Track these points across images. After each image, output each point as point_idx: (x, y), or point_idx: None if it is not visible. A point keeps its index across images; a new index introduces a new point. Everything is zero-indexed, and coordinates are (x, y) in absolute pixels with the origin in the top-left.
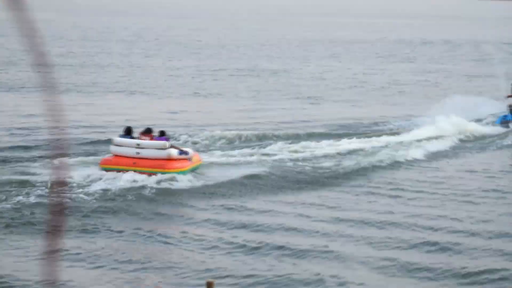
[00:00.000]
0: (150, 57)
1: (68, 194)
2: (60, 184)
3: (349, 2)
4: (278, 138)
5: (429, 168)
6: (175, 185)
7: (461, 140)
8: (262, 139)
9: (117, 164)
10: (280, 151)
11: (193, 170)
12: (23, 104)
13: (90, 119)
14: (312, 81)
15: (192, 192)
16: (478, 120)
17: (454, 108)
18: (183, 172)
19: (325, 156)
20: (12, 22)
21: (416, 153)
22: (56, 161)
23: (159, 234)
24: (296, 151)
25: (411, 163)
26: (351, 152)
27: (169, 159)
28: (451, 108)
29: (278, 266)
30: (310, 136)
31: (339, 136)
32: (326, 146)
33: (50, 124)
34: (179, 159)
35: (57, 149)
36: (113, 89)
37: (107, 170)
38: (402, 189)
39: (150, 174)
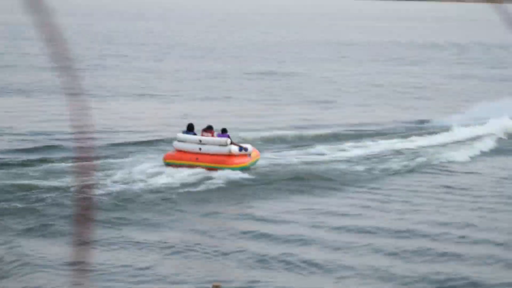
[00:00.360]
0: (157, 61)
1: (129, 186)
2: (86, 187)
3: (349, 4)
4: (288, 141)
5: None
6: (235, 181)
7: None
8: (275, 141)
9: (180, 159)
10: (291, 155)
11: (252, 165)
12: (40, 108)
13: (100, 122)
14: (320, 84)
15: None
16: None
17: (488, 111)
18: (244, 167)
19: (351, 160)
20: (33, 25)
21: (458, 156)
22: (81, 164)
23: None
24: (309, 154)
25: (449, 166)
26: (378, 156)
27: (230, 155)
28: (485, 110)
29: (286, 275)
30: (324, 140)
31: (368, 136)
32: (351, 149)
33: (75, 127)
34: (240, 155)
35: (83, 153)
36: (122, 93)
37: (170, 164)
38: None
39: (211, 169)
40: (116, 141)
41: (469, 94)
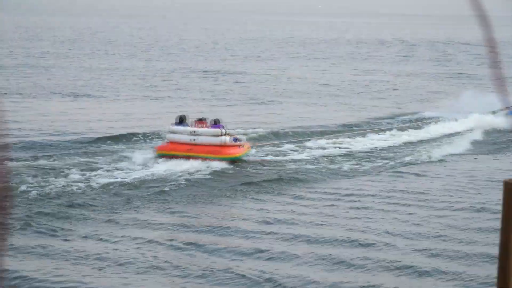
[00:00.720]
0: (97, 59)
1: (121, 177)
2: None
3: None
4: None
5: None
6: (228, 171)
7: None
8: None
9: (173, 150)
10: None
11: (244, 155)
12: None
13: (34, 121)
14: (266, 82)
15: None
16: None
17: (469, 104)
18: (237, 158)
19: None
20: None
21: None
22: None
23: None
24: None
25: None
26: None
27: (224, 145)
28: (466, 103)
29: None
30: (278, 138)
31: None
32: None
33: None
34: (233, 146)
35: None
36: (59, 92)
37: (162, 156)
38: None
39: (204, 159)
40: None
41: (419, 92)
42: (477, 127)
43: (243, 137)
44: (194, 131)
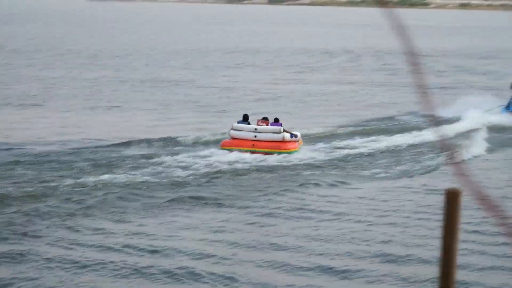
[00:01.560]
0: (46, 69)
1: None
2: None
3: (237, 8)
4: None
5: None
6: (291, 163)
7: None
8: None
9: (237, 146)
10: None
11: (300, 149)
12: None
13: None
14: (213, 92)
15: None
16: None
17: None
18: (295, 152)
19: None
20: None
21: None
22: None
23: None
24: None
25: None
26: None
27: (283, 141)
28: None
29: None
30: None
31: None
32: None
33: None
34: (291, 141)
35: None
36: (8, 102)
37: (227, 151)
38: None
39: (267, 153)
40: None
41: (368, 102)
42: (478, 126)
43: (298, 134)
44: (256, 129)
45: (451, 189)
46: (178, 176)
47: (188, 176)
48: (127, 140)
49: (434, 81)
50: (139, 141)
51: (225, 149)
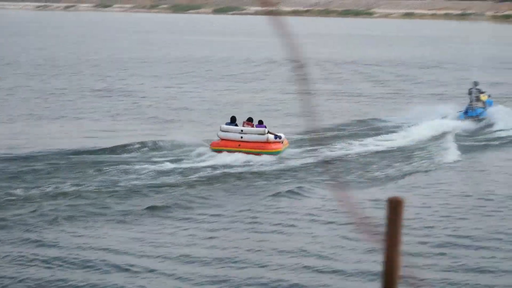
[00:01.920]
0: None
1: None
2: None
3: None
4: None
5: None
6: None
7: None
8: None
9: (225, 146)
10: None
11: (284, 150)
12: None
13: None
14: (162, 102)
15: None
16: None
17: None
18: (279, 152)
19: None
20: None
21: None
22: None
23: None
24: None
25: None
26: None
27: (267, 142)
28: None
29: None
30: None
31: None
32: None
33: None
34: (275, 142)
35: None
36: None
37: (216, 151)
38: None
39: (252, 154)
40: None
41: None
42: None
43: (283, 135)
44: (242, 130)
45: (393, 198)
46: (134, 186)
47: (146, 183)
48: (77, 148)
49: (379, 90)
50: (102, 149)
51: (214, 150)
